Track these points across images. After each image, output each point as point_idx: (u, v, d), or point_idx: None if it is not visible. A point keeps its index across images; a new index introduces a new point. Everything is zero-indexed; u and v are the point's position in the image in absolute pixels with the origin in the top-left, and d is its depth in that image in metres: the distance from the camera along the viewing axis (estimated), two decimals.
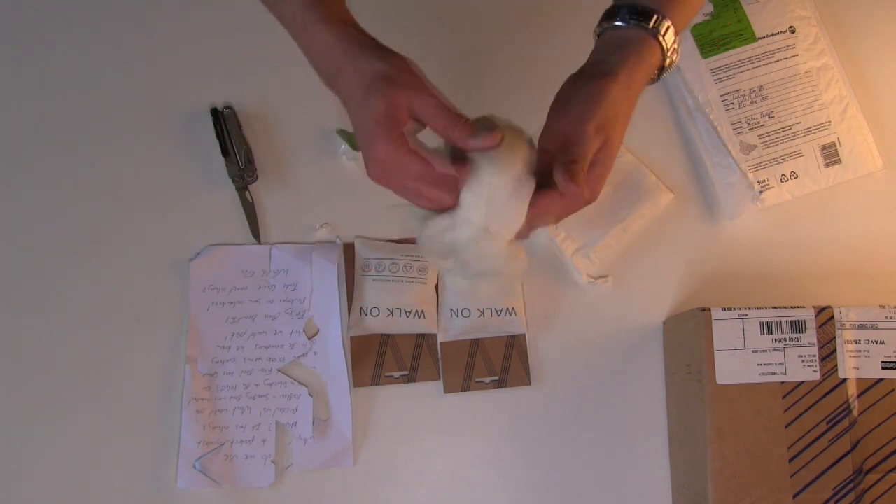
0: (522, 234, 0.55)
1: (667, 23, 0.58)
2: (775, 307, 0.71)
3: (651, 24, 0.58)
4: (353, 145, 0.80)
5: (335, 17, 0.56)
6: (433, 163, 0.52)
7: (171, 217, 0.81)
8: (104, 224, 0.80)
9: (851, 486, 0.68)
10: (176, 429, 0.77)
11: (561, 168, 0.53)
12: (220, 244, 0.80)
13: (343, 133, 0.80)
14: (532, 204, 0.54)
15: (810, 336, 0.70)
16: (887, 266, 0.82)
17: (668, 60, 0.60)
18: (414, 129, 0.54)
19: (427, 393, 0.79)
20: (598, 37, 0.61)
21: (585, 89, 0.57)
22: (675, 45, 0.60)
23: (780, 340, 0.70)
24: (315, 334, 0.80)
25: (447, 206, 0.54)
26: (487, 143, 0.52)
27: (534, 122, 0.57)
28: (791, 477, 0.69)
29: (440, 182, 0.53)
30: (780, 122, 0.82)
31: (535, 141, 0.57)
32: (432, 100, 0.53)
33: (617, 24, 0.59)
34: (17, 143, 0.81)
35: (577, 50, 0.61)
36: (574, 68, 0.59)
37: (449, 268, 0.57)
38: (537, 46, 0.85)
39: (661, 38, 0.58)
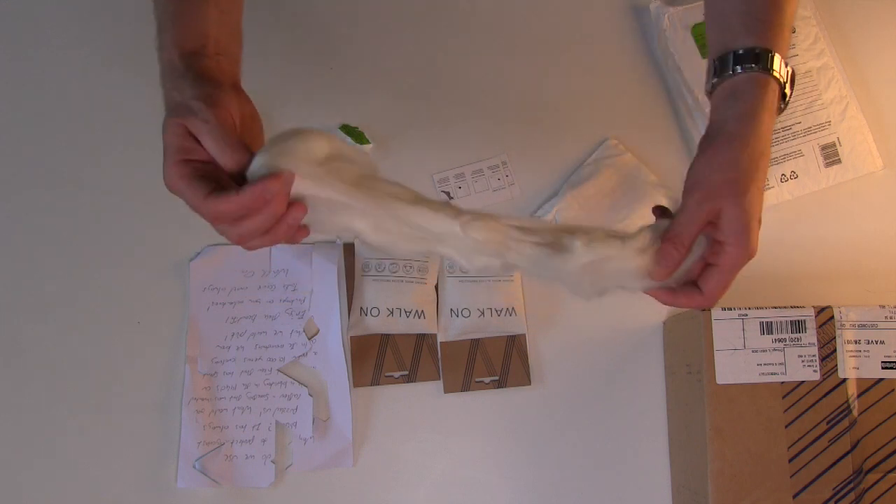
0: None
1: (771, 54, 0.56)
2: (775, 307, 0.71)
3: (755, 62, 0.56)
4: (357, 141, 0.80)
5: (184, 42, 0.56)
6: (196, 191, 0.52)
7: (171, 217, 0.81)
8: (104, 224, 0.80)
9: (851, 486, 0.68)
10: (176, 429, 0.77)
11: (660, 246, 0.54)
12: (221, 244, 0.80)
13: (346, 129, 0.80)
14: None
15: (810, 336, 0.70)
16: (887, 266, 0.82)
17: (786, 85, 0.58)
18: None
19: (427, 393, 0.79)
20: (710, 94, 0.59)
21: (700, 156, 0.56)
22: (788, 67, 0.57)
23: (780, 340, 0.70)
24: (315, 334, 0.80)
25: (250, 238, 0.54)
26: (238, 160, 0.52)
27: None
28: (791, 477, 0.69)
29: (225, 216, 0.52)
30: (779, 121, 0.82)
31: None
32: (206, 125, 0.52)
33: (726, 75, 0.57)
34: (16, 143, 0.81)
35: None
36: None
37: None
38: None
39: (773, 73, 0.56)
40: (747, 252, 0.55)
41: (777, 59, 0.56)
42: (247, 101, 0.56)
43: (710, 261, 0.56)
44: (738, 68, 0.56)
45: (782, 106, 0.59)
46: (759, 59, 0.56)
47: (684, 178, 0.57)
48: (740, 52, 0.56)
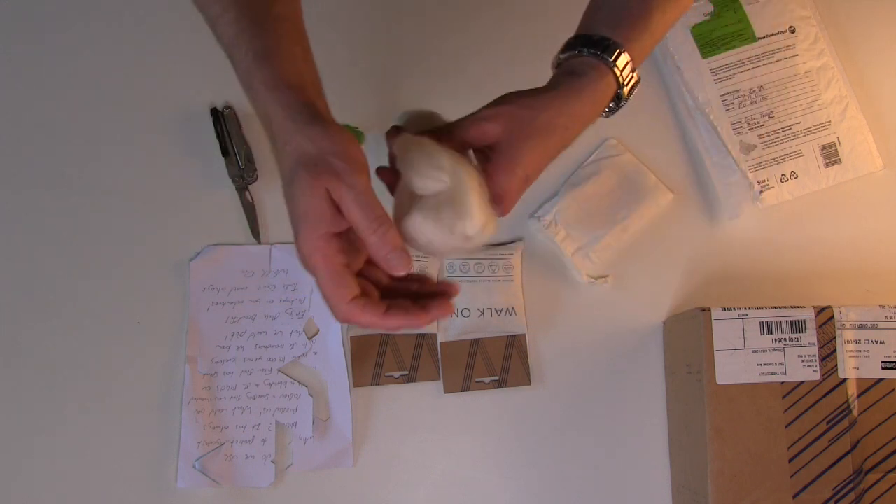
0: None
1: (620, 50, 0.57)
2: (775, 307, 0.71)
3: (602, 51, 0.56)
4: (359, 140, 0.80)
5: (282, 79, 0.51)
6: (343, 288, 0.49)
7: (171, 217, 0.81)
8: (104, 224, 0.80)
9: (851, 486, 0.68)
10: (176, 429, 0.77)
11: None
12: (220, 244, 0.80)
13: (347, 129, 0.80)
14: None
15: (810, 336, 0.70)
16: (887, 266, 0.82)
17: (624, 89, 0.58)
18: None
19: (427, 393, 0.79)
20: (556, 67, 0.60)
21: (520, 95, 0.56)
22: (634, 73, 0.58)
23: (780, 340, 0.70)
24: (315, 334, 0.80)
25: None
26: (399, 271, 0.49)
27: None
28: (791, 477, 0.69)
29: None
30: (780, 122, 0.82)
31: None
32: (353, 192, 0.48)
33: (574, 53, 0.57)
34: (16, 143, 0.81)
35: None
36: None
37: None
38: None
39: (614, 67, 0.57)
40: (502, 189, 0.54)
41: (624, 57, 0.57)
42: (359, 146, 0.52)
43: None
44: (585, 51, 0.57)
45: (612, 105, 0.59)
46: (607, 49, 0.56)
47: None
48: (595, 38, 0.57)
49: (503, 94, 0.57)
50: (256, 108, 0.52)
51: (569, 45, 0.59)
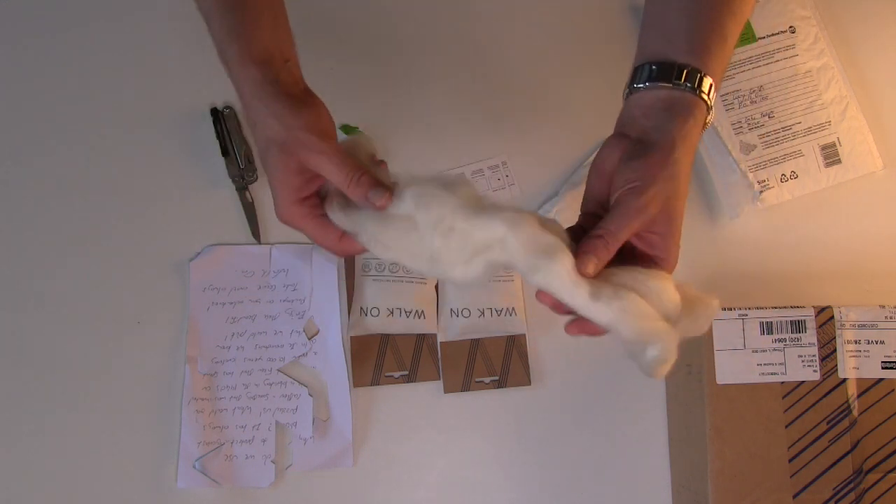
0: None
1: (709, 81, 0.55)
2: (775, 307, 0.71)
3: (697, 85, 0.55)
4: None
5: (248, 54, 0.55)
6: (328, 233, 0.56)
7: (171, 217, 0.81)
8: (104, 224, 0.80)
9: (851, 486, 0.68)
10: (176, 429, 0.77)
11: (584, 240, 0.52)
12: (220, 244, 0.80)
13: (345, 129, 0.80)
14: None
15: (810, 336, 0.70)
16: (887, 266, 0.82)
17: (710, 115, 0.57)
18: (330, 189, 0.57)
19: (427, 393, 0.79)
20: (635, 94, 0.57)
21: (642, 159, 0.53)
22: (713, 107, 0.57)
23: (780, 340, 0.70)
24: (315, 334, 0.80)
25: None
26: (379, 204, 0.54)
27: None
28: (791, 477, 0.69)
29: (340, 247, 0.57)
30: (780, 122, 0.82)
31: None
32: (325, 157, 0.54)
33: (662, 85, 0.55)
34: (15, 143, 0.81)
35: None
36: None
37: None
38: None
39: (705, 98, 0.55)
40: (671, 269, 0.55)
41: (708, 81, 0.55)
42: (324, 106, 0.58)
43: None
44: (680, 83, 0.55)
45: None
46: (701, 83, 0.55)
47: (596, 163, 0.56)
48: (683, 68, 0.55)
49: (618, 158, 0.54)
50: (232, 82, 0.57)
51: (650, 73, 0.56)
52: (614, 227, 0.52)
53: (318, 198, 0.58)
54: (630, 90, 0.57)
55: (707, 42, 0.56)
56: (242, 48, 0.55)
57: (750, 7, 0.59)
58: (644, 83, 0.56)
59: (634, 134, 0.55)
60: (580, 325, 0.54)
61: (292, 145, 0.54)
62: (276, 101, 0.54)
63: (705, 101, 0.55)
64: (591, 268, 0.51)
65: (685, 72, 0.55)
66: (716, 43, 0.56)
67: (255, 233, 0.80)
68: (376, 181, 0.54)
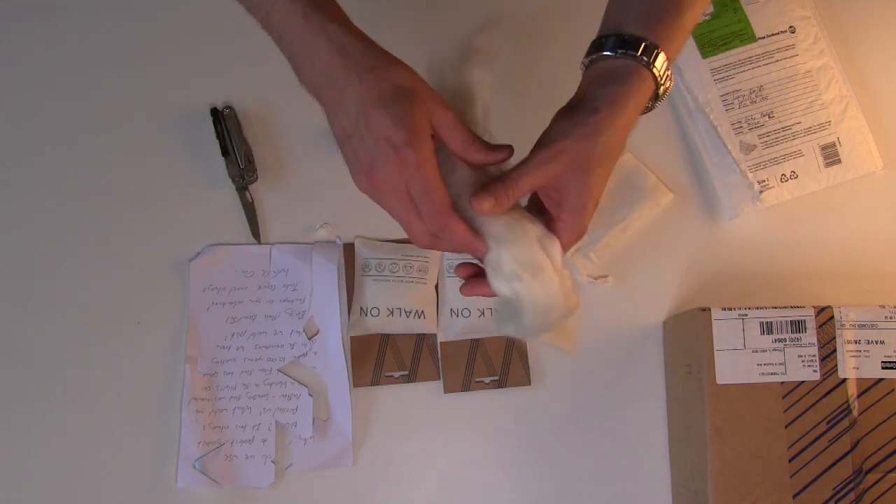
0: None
1: (658, 52, 0.55)
2: (775, 307, 0.71)
3: (640, 53, 0.55)
4: None
5: (330, 12, 0.52)
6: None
7: (171, 217, 0.81)
8: (104, 224, 0.80)
9: (851, 486, 0.68)
10: (176, 429, 0.77)
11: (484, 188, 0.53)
12: (220, 244, 0.80)
13: None
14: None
15: (810, 336, 0.70)
16: (887, 266, 0.82)
17: (661, 88, 0.57)
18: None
19: (427, 393, 0.79)
20: (586, 68, 0.58)
21: (562, 119, 0.55)
22: (669, 72, 0.57)
23: (780, 340, 0.70)
24: (315, 334, 0.80)
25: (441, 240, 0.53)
26: (501, 157, 0.53)
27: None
28: (791, 477, 0.69)
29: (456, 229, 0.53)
30: (780, 122, 0.82)
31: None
32: (450, 114, 0.51)
33: (606, 54, 0.56)
34: (15, 143, 0.81)
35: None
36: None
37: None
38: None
39: (653, 69, 0.55)
40: (577, 230, 0.55)
41: (661, 58, 0.55)
42: None
43: None
44: (623, 52, 0.55)
45: (650, 106, 0.58)
46: (646, 51, 0.55)
47: (541, 136, 0.56)
48: (627, 37, 0.55)
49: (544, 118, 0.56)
50: (308, 46, 0.52)
51: (598, 46, 0.57)
52: (516, 173, 0.53)
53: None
54: (583, 64, 0.58)
55: (659, 13, 0.57)
56: (309, 5, 0.52)
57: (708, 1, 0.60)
58: (593, 55, 0.57)
59: (574, 103, 0.56)
60: (473, 287, 0.57)
61: (422, 97, 0.50)
62: (373, 52, 0.51)
63: (650, 70, 0.55)
64: (487, 206, 0.52)
65: (627, 40, 0.55)
66: (669, 14, 0.57)
67: (255, 233, 0.80)
68: (486, 147, 0.53)
